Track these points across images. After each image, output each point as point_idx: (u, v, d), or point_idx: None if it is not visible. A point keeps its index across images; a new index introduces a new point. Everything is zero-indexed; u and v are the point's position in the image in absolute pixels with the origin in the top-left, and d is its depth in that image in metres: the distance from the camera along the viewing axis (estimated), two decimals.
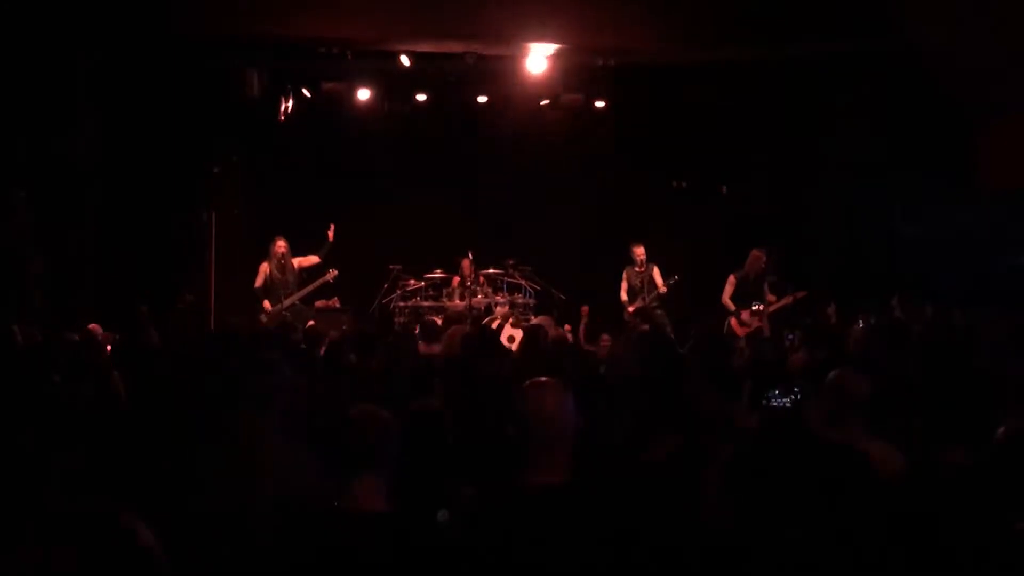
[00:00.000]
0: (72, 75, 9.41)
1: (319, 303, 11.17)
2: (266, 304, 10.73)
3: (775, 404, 3.55)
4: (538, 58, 10.39)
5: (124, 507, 1.56)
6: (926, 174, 10.05)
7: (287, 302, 10.74)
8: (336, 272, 10.89)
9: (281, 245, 10.85)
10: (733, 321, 10.59)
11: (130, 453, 3.38)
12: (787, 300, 10.47)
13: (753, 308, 10.34)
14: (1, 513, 2.50)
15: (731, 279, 10.71)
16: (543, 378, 3.00)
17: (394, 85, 11.25)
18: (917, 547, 2.90)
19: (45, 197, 9.28)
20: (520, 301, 12.13)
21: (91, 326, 7.11)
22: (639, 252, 11.35)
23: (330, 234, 10.98)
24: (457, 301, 12.07)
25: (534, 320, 11.28)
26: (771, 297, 10.60)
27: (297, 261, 10.93)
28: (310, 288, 10.89)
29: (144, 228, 10.26)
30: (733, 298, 10.66)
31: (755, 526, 2.82)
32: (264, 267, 10.89)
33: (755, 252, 10.61)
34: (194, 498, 3.26)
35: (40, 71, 9.12)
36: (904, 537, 2.91)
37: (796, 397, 3.67)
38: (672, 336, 9.61)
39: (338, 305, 11.47)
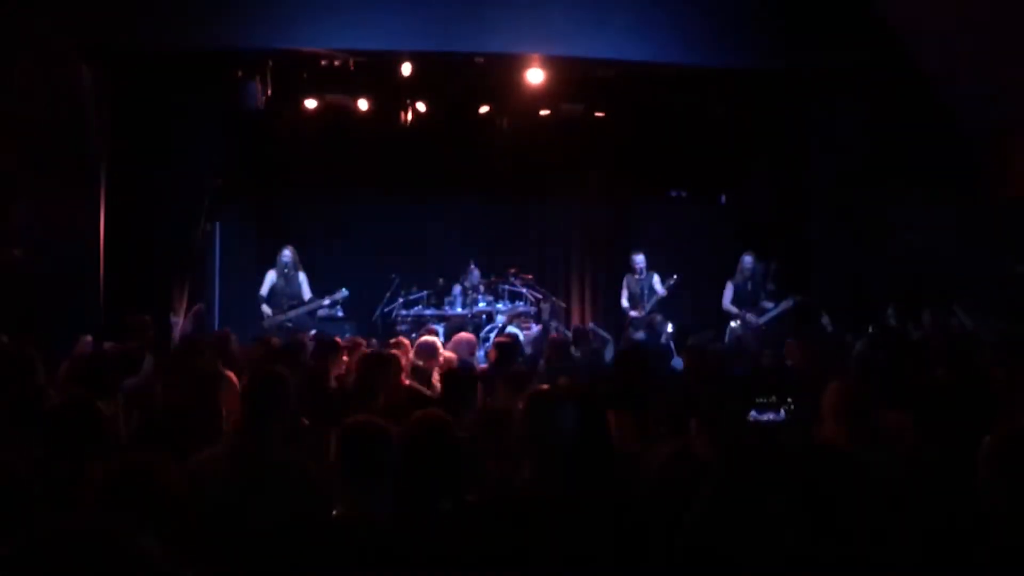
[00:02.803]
0: (76, 86, 9.45)
1: (321, 312, 11.23)
2: (266, 309, 10.80)
3: (769, 414, 3.56)
4: (538, 68, 10.45)
5: (128, 518, 1.57)
6: (928, 183, 10.07)
7: (291, 313, 10.80)
8: (347, 292, 10.97)
9: (287, 255, 10.95)
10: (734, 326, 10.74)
11: (132, 462, 3.40)
12: (783, 308, 10.56)
13: (737, 322, 10.50)
14: (4, 526, 2.53)
15: (728, 285, 10.90)
16: (543, 387, 3.03)
17: (396, 95, 11.30)
18: (914, 551, 2.93)
19: (48, 207, 9.33)
20: (521, 309, 12.17)
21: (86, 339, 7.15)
22: (639, 260, 11.44)
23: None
24: (459, 309, 12.11)
25: (534, 326, 11.35)
26: (767, 304, 10.74)
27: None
28: (320, 304, 10.94)
29: (148, 239, 10.31)
30: (733, 303, 10.84)
31: (751, 534, 2.84)
32: (270, 275, 10.98)
33: (744, 256, 10.86)
34: (198, 507, 3.29)
35: (44, 81, 9.17)
36: (902, 542, 2.94)
37: (790, 407, 3.69)
38: (671, 344, 9.68)
39: (340, 314, 11.53)
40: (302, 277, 11.07)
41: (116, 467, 3.04)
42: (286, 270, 10.95)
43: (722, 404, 3.67)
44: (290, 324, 10.61)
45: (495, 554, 2.73)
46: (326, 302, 10.94)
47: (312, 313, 11.06)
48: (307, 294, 11.00)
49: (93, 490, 2.67)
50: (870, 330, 8.19)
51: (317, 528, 2.83)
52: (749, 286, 10.82)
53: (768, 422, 3.53)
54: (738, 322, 10.58)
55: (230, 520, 3.30)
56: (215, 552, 3.28)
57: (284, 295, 10.94)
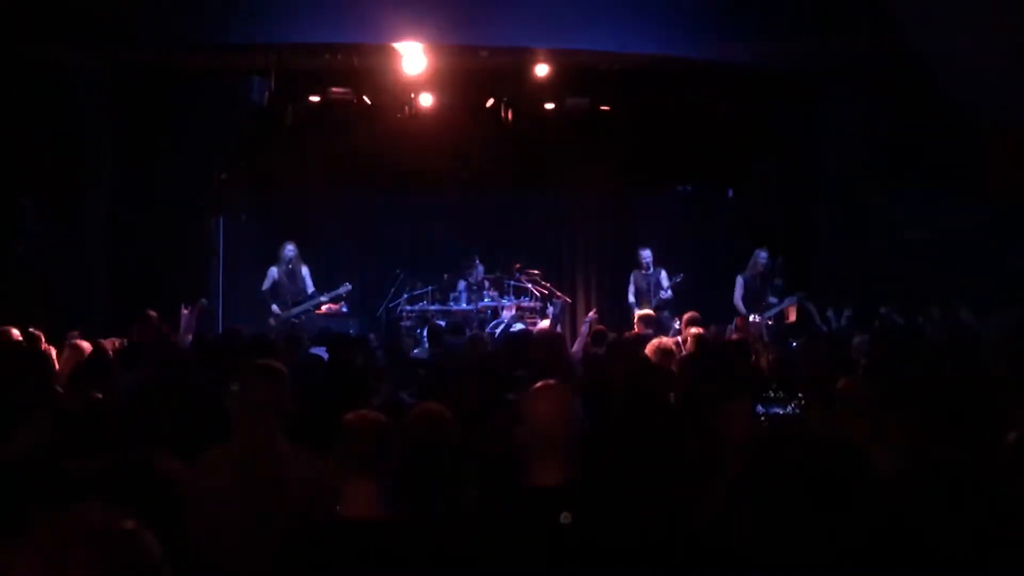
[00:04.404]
0: (80, 82, 9.45)
1: (324, 308, 11.25)
2: (275, 308, 10.84)
3: (778, 411, 3.55)
4: (544, 62, 10.43)
5: (127, 513, 1.56)
6: (931, 179, 10.04)
7: (296, 309, 10.84)
8: (350, 287, 11.03)
9: (291, 250, 10.96)
10: (739, 321, 10.65)
11: (134, 459, 3.39)
12: (787, 307, 10.52)
13: (751, 319, 10.45)
14: (6, 521, 2.51)
15: (739, 280, 10.82)
16: (550, 381, 3.01)
17: (400, 90, 11.28)
18: (918, 548, 2.91)
19: (53, 204, 9.33)
20: (526, 305, 12.15)
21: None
22: (647, 255, 11.43)
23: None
24: (464, 305, 12.10)
25: (541, 323, 11.32)
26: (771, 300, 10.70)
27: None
28: (323, 299, 11.00)
29: (152, 234, 10.31)
30: (743, 300, 10.77)
31: (762, 530, 2.82)
32: (272, 271, 10.98)
33: (759, 252, 10.78)
34: (197, 503, 3.27)
35: (48, 78, 9.17)
36: (905, 538, 2.91)
37: (800, 402, 3.68)
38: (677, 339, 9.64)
39: (345, 310, 11.53)
40: (305, 272, 11.09)
41: (119, 464, 3.03)
42: (290, 265, 10.96)
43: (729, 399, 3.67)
44: (296, 320, 10.65)
45: (497, 551, 2.70)
46: (324, 298, 10.99)
47: (317, 308, 11.10)
48: (310, 288, 11.03)
49: (96, 487, 2.66)
50: (876, 325, 8.19)
51: (313, 526, 2.81)
52: (758, 282, 10.76)
53: (778, 416, 3.51)
54: (754, 317, 10.52)
55: (232, 518, 3.28)
56: (216, 551, 3.27)
57: (288, 291, 10.95)
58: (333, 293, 10.98)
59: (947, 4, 9.07)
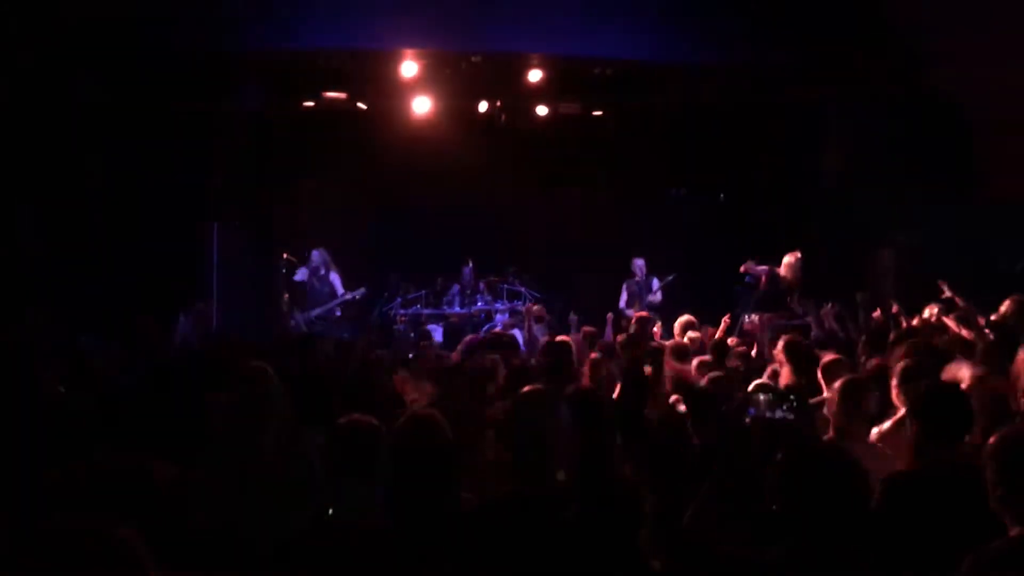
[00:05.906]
0: (75, 88, 9.44)
1: (316, 311, 11.29)
2: (302, 311, 10.99)
3: (769, 415, 3.54)
4: (536, 68, 10.45)
5: (119, 520, 1.55)
6: (925, 182, 10.06)
7: (317, 311, 10.99)
8: (364, 290, 11.12)
9: (316, 257, 11.12)
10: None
11: (128, 464, 3.37)
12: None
13: (748, 319, 10.37)
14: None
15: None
16: (538, 387, 3.00)
17: (395, 95, 11.29)
18: (911, 549, 2.91)
19: (49, 209, 9.32)
20: (521, 308, 12.15)
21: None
22: (640, 264, 11.48)
23: None
24: (457, 309, 12.11)
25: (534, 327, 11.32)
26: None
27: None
28: (339, 302, 11.13)
29: (147, 241, 10.30)
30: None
31: (759, 532, 2.82)
32: (302, 272, 11.16)
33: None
34: (191, 510, 3.26)
35: (43, 84, 9.15)
36: (899, 539, 2.91)
37: (793, 404, 3.66)
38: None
39: (338, 313, 11.53)
40: (334, 277, 11.27)
41: (107, 467, 3.01)
42: (320, 271, 11.17)
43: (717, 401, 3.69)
44: (318, 323, 10.85)
45: (489, 557, 2.70)
46: (335, 302, 11.15)
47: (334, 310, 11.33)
48: (340, 292, 11.26)
49: (85, 490, 2.65)
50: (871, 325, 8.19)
51: (308, 531, 2.80)
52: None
53: (772, 419, 3.50)
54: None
55: (224, 521, 3.27)
56: (207, 554, 3.26)
57: (315, 296, 11.18)
58: (350, 294, 11.16)
59: (942, 6, 9.11)
